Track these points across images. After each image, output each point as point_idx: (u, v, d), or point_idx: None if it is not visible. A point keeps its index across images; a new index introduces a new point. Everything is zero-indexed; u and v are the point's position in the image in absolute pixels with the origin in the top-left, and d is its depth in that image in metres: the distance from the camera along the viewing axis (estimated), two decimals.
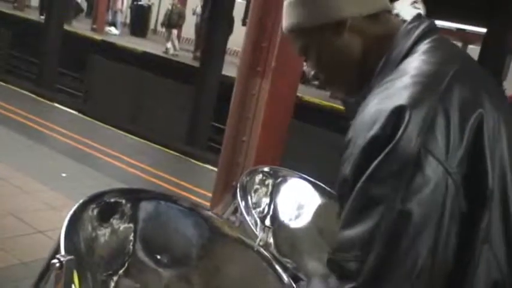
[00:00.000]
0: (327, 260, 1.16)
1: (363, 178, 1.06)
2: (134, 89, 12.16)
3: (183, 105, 11.30)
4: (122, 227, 1.63)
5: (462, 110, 1.07)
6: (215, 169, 8.04)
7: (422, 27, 1.24)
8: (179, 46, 18.38)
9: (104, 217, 1.56)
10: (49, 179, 5.76)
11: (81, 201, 1.49)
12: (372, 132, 1.06)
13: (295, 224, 2.38)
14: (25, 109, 9.06)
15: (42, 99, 10.77)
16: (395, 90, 1.11)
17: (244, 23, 10.39)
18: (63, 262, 1.08)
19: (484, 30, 10.58)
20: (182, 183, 6.98)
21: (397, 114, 1.05)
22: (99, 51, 14.41)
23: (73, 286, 1.10)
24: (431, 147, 1.03)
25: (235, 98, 4.62)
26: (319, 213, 2.43)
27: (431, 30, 1.25)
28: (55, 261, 1.09)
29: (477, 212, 1.06)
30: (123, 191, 1.66)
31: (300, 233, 2.35)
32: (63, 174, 6.11)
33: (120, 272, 1.57)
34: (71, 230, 1.35)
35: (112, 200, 1.62)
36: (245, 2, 14.53)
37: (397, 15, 1.36)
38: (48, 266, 1.17)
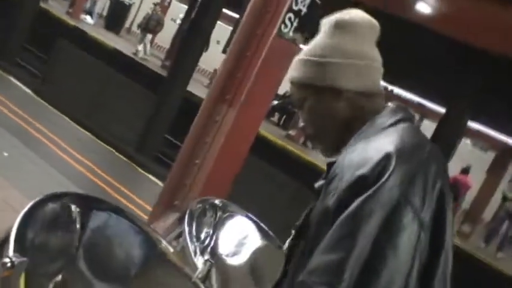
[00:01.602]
0: (297, 282, 1.21)
1: (346, 212, 1.15)
2: (96, 83, 11.98)
3: (141, 111, 11.19)
4: (69, 232, 1.64)
5: (434, 178, 1.21)
6: (159, 182, 8.04)
7: (404, 113, 1.38)
8: (150, 51, 18.29)
9: (55, 219, 1.57)
10: None
11: (37, 199, 1.50)
12: (361, 172, 1.17)
13: (231, 260, 2.42)
14: None
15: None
16: (386, 141, 1.24)
17: (224, 51, 10.46)
18: (15, 263, 1.09)
19: (442, 109, 11.04)
20: (124, 189, 6.90)
21: (386, 159, 1.17)
22: (69, 37, 14.15)
23: None
24: (411, 199, 1.15)
25: (198, 120, 4.65)
26: (256, 254, 2.48)
27: (410, 118, 1.39)
28: (7, 260, 1.10)
29: (431, 267, 1.18)
30: (79, 196, 1.67)
31: (233, 271, 2.40)
32: (5, 154, 5.96)
33: (57, 278, 1.57)
34: (23, 227, 1.36)
35: (66, 203, 1.63)
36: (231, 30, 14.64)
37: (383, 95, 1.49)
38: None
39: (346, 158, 1.25)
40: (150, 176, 8.49)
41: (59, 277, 1.59)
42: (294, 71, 1.45)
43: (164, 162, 10.62)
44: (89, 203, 1.73)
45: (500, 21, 7.07)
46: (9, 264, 1.10)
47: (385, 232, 1.12)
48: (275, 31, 4.39)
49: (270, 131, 13.10)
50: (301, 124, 1.48)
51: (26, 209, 1.44)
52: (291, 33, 4.51)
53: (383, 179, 1.15)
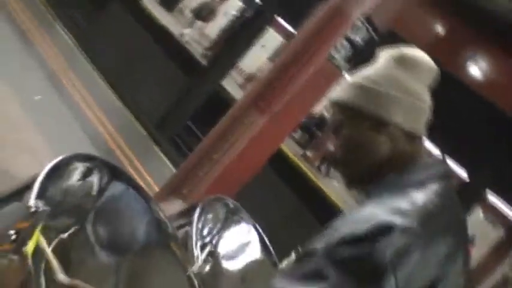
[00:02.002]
0: None
1: (327, 260, 1.12)
2: (136, 52, 12.07)
3: (171, 91, 11.25)
4: (86, 195, 1.67)
5: (432, 263, 1.18)
6: (170, 165, 8.08)
7: (438, 168, 1.35)
8: (195, 38, 18.40)
9: (77, 179, 1.60)
10: (23, 95, 5.68)
11: (66, 155, 1.54)
12: (357, 229, 1.14)
13: (226, 264, 2.43)
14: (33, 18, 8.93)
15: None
16: (395, 208, 1.19)
17: (271, 59, 10.48)
18: (38, 210, 1.12)
19: (464, 174, 10.97)
20: (136, 162, 6.94)
21: (385, 228, 1.13)
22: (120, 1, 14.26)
23: (30, 240, 1.14)
24: (398, 269, 1.12)
25: (227, 118, 4.69)
26: (251, 265, 2.49)
27: (447, 175, 1.35)
28: (32, 205, 1.13)
29: None
30: (105, 163, 1.71)
31: (225, 274, 2.41)
32: (37, 97, 6.05)
33: (64, 235, 1.60)
34: (47, 179, 1.39)
35: (91, 166, 1.66)
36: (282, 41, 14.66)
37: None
38: (18, 197, 1.21)
39: (356, 213, 1.23)
40: (163, 156, 8.53)
41: (65, 234, 1.62)
42: (342, 92, 1.40)
43: (179, 148, 10.66)
44: (112, 172, 1.76)
45: None
46: (33, 209, 1.13)
47: None
48: (325, 54, 4.42)
49: (288, 146, 13.10)
50: (330, 147, 1.42)
51: (53, 162, 1.48)
52: (339, 60, 4.53)
53: (377, 243, 1.12)
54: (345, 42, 4.31)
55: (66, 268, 1.63)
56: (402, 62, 1.38)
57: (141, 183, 5.62)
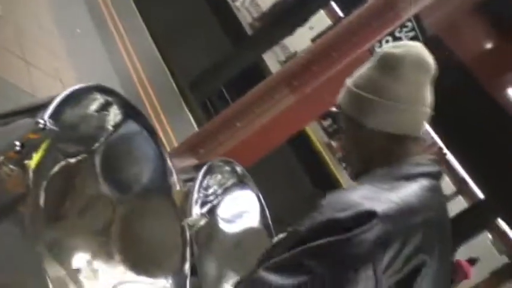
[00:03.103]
0: (236, 283, 1.29)
1: (308, 246, 1.15)
2: (185, 9, 12.08)
3: (211, 54, 11.27)
4: (101, 127, 1.71)
5: (414, 249, 1.20)
6: (194, 125, 8.14)
7: (430, 167, 1.37)
8: (247, 6, 18.30)
9: (96, 109, 1.64)
10: (65, 26, 5.75)
11: (89, 84, 1.57)
12: (339, 215, 1.16)
13: (224, 226, 2.47)
14: None
15: None
16: (379, 197, 1.21)
17: (314, 40, 10.39)
18: (47, 128, 1.16)
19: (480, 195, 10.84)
20: (162, 115, 7.01)
21: (367, 216, 1.16)
22: None
23: (35, 154, 1.17)
24: (376, 259, 1.14)
25: (258, 90, 4.69)
26: (246, 232, 2.53)
27: (436, 176, 1.37)
28: (41, 121, 1.16)
29: None
30: (125, 101, 1.73)
31: (221, 236, 2.45)
32: (78, 30, 6.11)
33: (72, 159, 1.65)
34: (65, 102, 1.43)
35: (111, 100, 1.69)
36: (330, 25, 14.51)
37: (421, 140, 1.46)
38: (32, 114, 1.25)
39: (340, 195, 1.26)
40: (190, 116, 8.58)
41: (73, 160, 1.67)
42: (340, 96, 1.46)
43: (208, 111, 10.70)
44: (131, 112, 1.79)
45: None
46: (41, 126, 1.16)
47: (338, 280, 1.13)
48: (368, 46, 4.37)
49: (315, 132, 13.05)
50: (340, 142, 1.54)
51: (75, 87, 1.51)
52: None
53: (358, 231, 1.14)
54: (389, 38, 4.26)
55: (68, 191, 1.69)
56: (383, 63, 1.38)
57: (163, 137, 5.69)
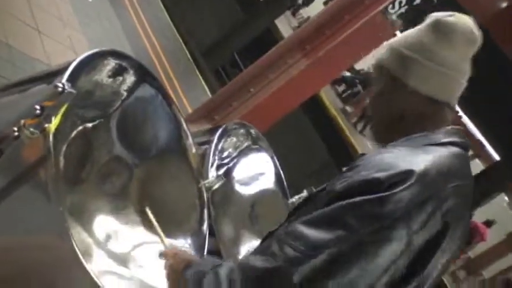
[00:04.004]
0: (270, 232, 1.31)
1: (349, 201, 1.17)
2: None
3: (224, 22, 11.22)
4: (116, 92, 1.74)
5: (445, 211, 1.23)
6: (208, 92, 8.16)
7: (460, 138, 1.38)
8: None
9: (110, 74, 1.66)
10: None
11: (104, 49, 1.59)
12: (378, 175, 1.19)
13: (239, 188, 2.52)
14: None
15: None
16: (421, 158, 1.24)
17: (326, 3, 10.28)
18: (65, 91, 1.18)
19: (496, 157, 10.78)
20: (175, 82, 7.03)
21: (406, 175, 1.18)
22: None
23: (54, 118, 1.20)
24: (411, 218, 1.17)
25: (272, 54, 4.68)
26: (262, 194, 2.57)
27: (465, 147, 1.39)
28: (59, 85, 1.19)
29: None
30: (140, 66, 1.76)
31: (237, 197, 2.49)
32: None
33: (89, 124, 1.68)
34: (81, 66, 1.45)
35: (126, 65, 1.72)
36: None
37: (455, 110, 1.48)
38: (49, 80, 1.28)
39: (377, 156, 1.27)
40: (204, 83, 8.59)
41: (90, 124, 1.70)
42: (381, 52, 1.47)
43: (221, 78, 10.70)
44: (145, 76, 1.81)
45: None
46: (60, 89, 1.18)
47: (373, 236, 1.15)
48: (381, 7, 4.34)
49: (329, 98, 13.01)
50: (366, 102, 1.53)
51: (90, 51, 1.53)
52: (394, 16, 4.45)
53: (396, 190, 1.16)
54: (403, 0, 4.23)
55: (86, 156, 1.73)
56: (436, 28, 1.39)
57: (177, 104, 5.71)
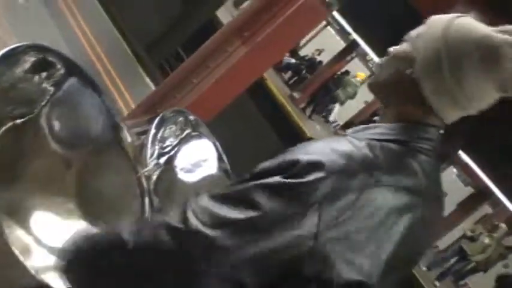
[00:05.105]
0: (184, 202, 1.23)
1: (259, 181, 1.12)
2: None
3: (164, 16, 11.11)
4: (44, 86, 1.71)
5: (366, 213, 1.14)
6: (153, 87, 8.08)
7: (435, 144, 1.27)
8: None
9: (35, 69, 1.64)
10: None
11: (25, 43, 1.57)
12: (300, 157, 1.13)
13: (183, 176, 2.51)
14: None
15: None
16: (338, 147, 1.17)
17: None
18: None
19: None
20: (118, 81, 6.93)
21: (317, 166, 1.11)
22: None
23: None
24: (324, 210, 1.10)
25: (210, 43, 4.69)
26: (207, 179, 2.57)
27: (441, 154, 1.31)
28: None
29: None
30: (66, 59, 1.74)
31: (180, 185, 2.49)
32: (21, 1, 5.95)
33: (18, 121, 1.66)
34: (2, 61, 1.43)
35: (51, 58, 1.70)
36: None
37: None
38: None
39: (312, 142, 1.21)
40: (148, 80, 8.50)
41: (19, 121, 1.68)
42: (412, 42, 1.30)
43: (167, 73, 10.61)
44: (72, 69, 1.80)
45: None
46: None
47: (286, 218, 1.10)
48: None
49: (277, 85, 13.10)
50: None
51: (8, 48, 1.51)
52: None
53: (309, 179, 1.11)
54: None
55: (19, 153, 1.70)
56: (483, 53, 1.20)
57: (121, 102, 5.64)
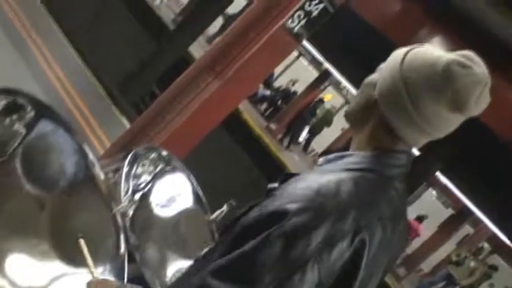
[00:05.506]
0: (196, 259, 1.30)
1: (252, 243, 1.12)
2: (103, 12, 11.89)
3: (137, 55, 11.17)
4: (15, 128, 1.73)
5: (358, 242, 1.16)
6: (127, 125, 8.09)
7: (406, 169, 1.30)
8: (166, 3, 18.17)
9: (6, 112, 1.66)
10: None
11: None
12: (288, 206, 1.14)
13: (159, 211, 2.52)
14: None
15: None
16: (303, 192, 1.17)
17: (229, 24, 10.44)
18: None
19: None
20: (93, 122, 6.93)
21: (279, 215, 1.13)
22: None
23: None
24: (323, 258, 1.12)
25: (183, 79, 4.74)
26: (183, 214, 2.59)
27: (417, 175, 1.36)
28: None
29: None
30: (36, 100, 1.76)
31: (157, 221, 2.50)
32: None
33: None
34: None
35: (21, 101, 1.72)
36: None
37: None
38: None
39: (298, 184, 1.21)
40: (124, 120, 8.51)
41: None
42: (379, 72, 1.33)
43: (141, 111, 10.62)
44: (43, 110, 1.82)
45: None
46: None
47: (279, 275, 1.11)
48: (282, 22, 4.49)
49: (253, 118, 13.19)
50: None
51: None
52: (296, 29, 4.60)
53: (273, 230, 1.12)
54: (301, 12, 4.39)
55: None
56: (448, 93, 1.21)
57: (97, 145, 5.61)
